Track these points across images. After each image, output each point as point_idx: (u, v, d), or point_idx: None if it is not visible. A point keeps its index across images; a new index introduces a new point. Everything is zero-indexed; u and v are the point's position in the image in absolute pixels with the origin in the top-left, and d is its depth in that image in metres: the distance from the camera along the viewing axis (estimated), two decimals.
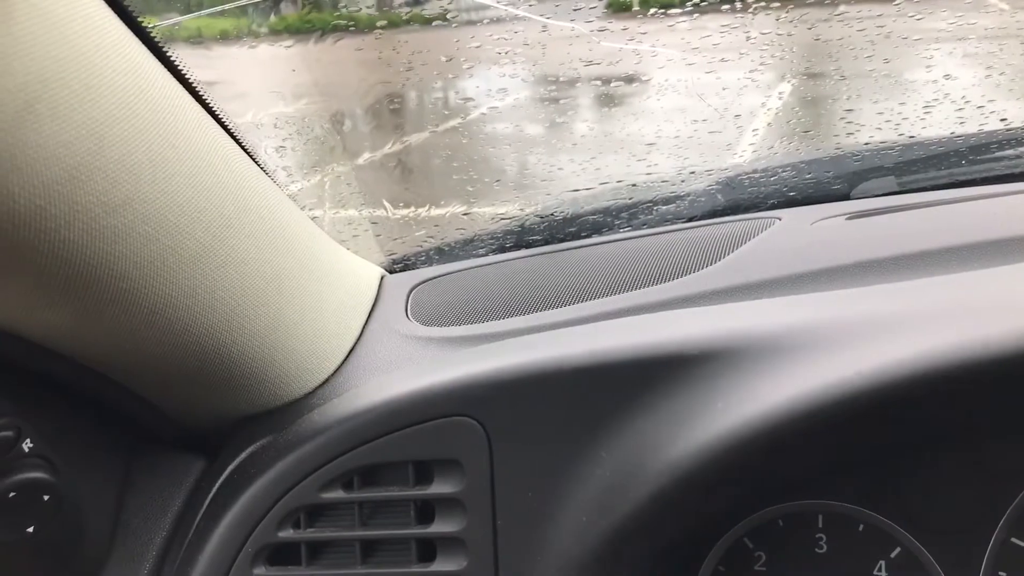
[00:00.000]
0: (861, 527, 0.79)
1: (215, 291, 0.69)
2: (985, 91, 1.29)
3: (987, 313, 0.71)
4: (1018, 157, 1.21)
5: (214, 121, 0.75)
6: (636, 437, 0.71)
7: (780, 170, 1.26)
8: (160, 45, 0.70)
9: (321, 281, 0.88)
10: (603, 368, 0.74)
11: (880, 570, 0.79)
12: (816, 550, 0.80)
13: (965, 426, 0.76)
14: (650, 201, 1.22)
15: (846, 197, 1.19)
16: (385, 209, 1.41)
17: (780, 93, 1.86)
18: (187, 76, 0.73)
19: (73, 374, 0.72)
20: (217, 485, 0.79)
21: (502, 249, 1.18)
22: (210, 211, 0.68)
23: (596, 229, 1.19)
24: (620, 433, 0.72)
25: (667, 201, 1.22)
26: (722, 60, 1.38)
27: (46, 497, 0.70)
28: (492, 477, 0.74)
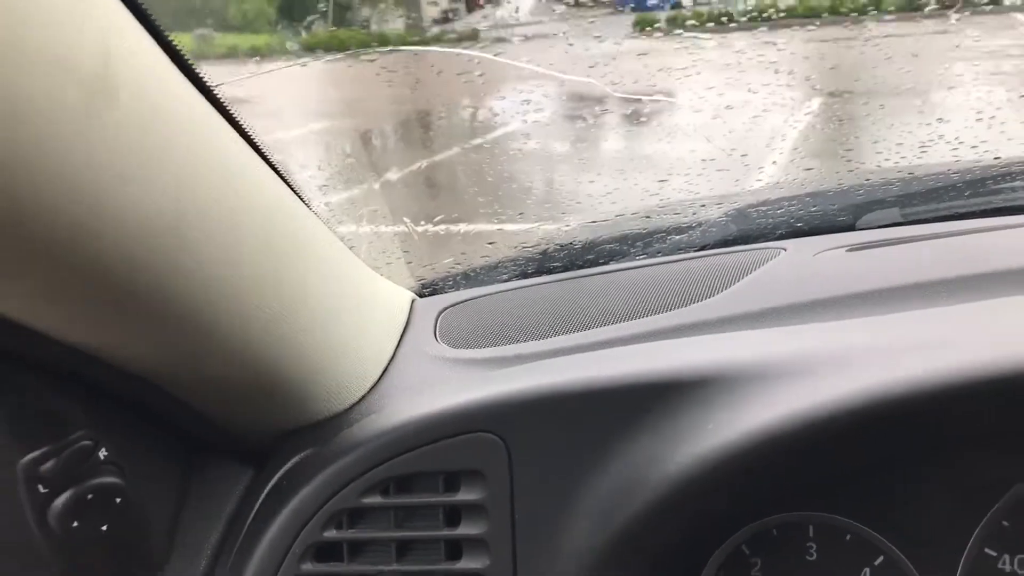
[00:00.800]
0: (848, 537, 0.86)
1: (270, 317, 0.78)
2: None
3: (959, 345, 0.78)
4: (1014, 191, 1.27)
5: (266, 164, 0.84)
6: (639, 452, 0.79)
7: (787, 202, 1.32)
8: (208, 85, 0.77)
9: (360, 308, 0.97)
10: (610, 392, 0.83)
11: None
12: (807, 557, 0.87)
13: (938, 445, 0.84)
14: (664, 230, 1.29)
15: (851, 228, 1.24)
16: (406, 226, 1.49)
17: (783, 136, 1.95)
18: (242, 125, 0.81)
19: (141, 392, 0.80)
20: (266, 491, 0.88)
21: (524, 275, 1.25)
22: (267, 249, 0.77)
23: (613, 257, 1.26)
24: (625, 449, 0.80)
25: (680, 231, 1.29)
26: (727, 107, 1.47)
27: (118, 499, 0.79)
28: (512, 486, 0.83)
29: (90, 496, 0.77)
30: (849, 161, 1.33)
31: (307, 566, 0.85)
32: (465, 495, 0.84)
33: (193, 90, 0.71)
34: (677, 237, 1.29)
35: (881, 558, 0.85)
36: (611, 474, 0.80)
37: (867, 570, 0.86)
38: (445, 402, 0.86)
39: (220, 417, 0.87)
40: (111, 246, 0.60)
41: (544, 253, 1.30)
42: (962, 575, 0.84)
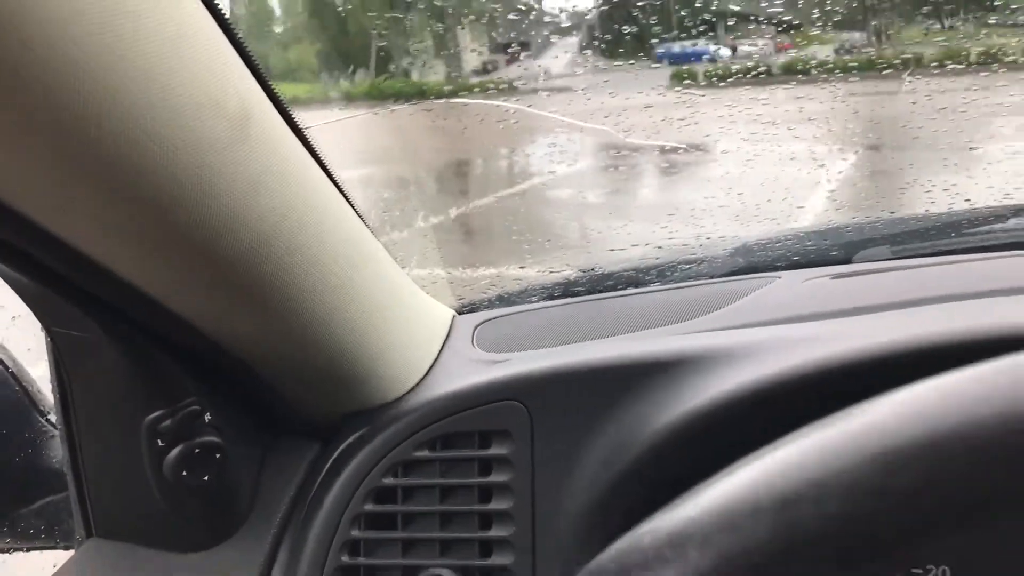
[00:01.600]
0: None
1: (344, 315, 0.97)
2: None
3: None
4: (989, 232, 1.43)
5: (340, 193, 1.03)
6: (632, 416, 0.98)
7: (785, 239, 1.49)
8: (299, 125, 0.93)
9: (411, 316, 1.15)
10: (610, 369, 1.02)
11: None
12: None
13: None
14: (674, 261, 1.46)
15: (846, 262, 1.40)
16: (446, 269, 1.68)
17: (787, 188, 2.11)
18: (321, 157, 0.99)
19: (236, 372, 0.99)
20: (332, 458, 1.06)
21: (551, 297, 1.41)
22: (344, 261, 0.95)
23: (630, 283, 1.41)
24: (622, 413, 0.99)
25: (688, 262, 1.46)
26: (747, 161, 1.65)
27: (218, 455, 0.98)
28: (532, 443, 1.02)
29: (197, 451, 0.96)
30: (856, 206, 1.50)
31: (368, 506, 1.04)
32: (495, 450, 1.03)
33: (288, 129, 0.88)
34: (686, 267, 1.46)
35: None
36: (609, 433, 0.99)
37: None
38: (480, 378, 1.06)
39: (296, 398, 1.06)
40: (237, 244, 0.79)
41: (568, 279, 1.48)
42: None
